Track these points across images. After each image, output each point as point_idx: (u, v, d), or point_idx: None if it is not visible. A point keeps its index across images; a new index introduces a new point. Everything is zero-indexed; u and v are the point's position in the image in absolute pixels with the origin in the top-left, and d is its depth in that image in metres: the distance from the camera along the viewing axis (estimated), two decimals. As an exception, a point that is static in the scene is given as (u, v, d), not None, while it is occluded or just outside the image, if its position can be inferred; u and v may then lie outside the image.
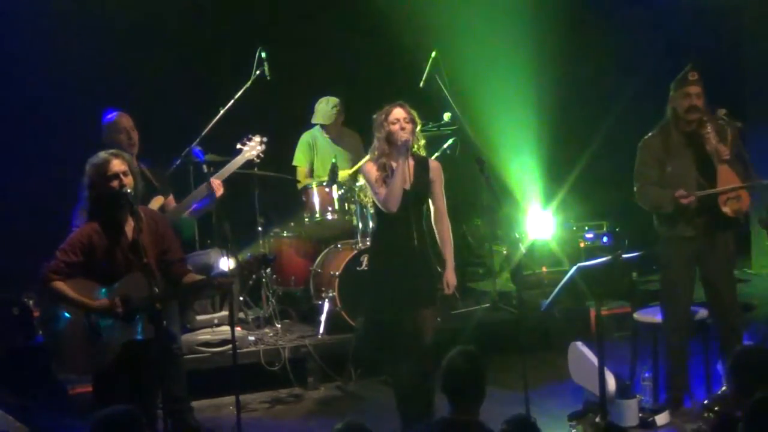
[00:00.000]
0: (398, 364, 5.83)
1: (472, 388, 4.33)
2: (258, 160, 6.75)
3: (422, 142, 5.91)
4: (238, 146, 6.64)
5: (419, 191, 5.79)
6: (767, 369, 4.29)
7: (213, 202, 6.29)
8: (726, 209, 5.98)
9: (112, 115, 6.31)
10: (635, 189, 6.20)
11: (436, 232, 5.88)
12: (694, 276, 6.23)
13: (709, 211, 6.02)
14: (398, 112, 5.77)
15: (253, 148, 6.64)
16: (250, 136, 6.66)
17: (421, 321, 5.72)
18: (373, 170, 5.82)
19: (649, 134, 6.21)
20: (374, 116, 5.86)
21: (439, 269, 5.85)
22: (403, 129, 5.73)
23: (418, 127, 5.83)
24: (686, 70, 6.08)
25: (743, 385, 4.26)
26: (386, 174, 5.77)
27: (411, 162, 5.76)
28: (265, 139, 6.67)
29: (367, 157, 5.97)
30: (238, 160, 6.59)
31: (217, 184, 6.28)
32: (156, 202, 6.18)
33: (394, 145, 5.72)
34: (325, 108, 8.04)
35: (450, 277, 5.86)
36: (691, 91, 6.01)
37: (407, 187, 5.69)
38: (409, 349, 5.70)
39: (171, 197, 6.44)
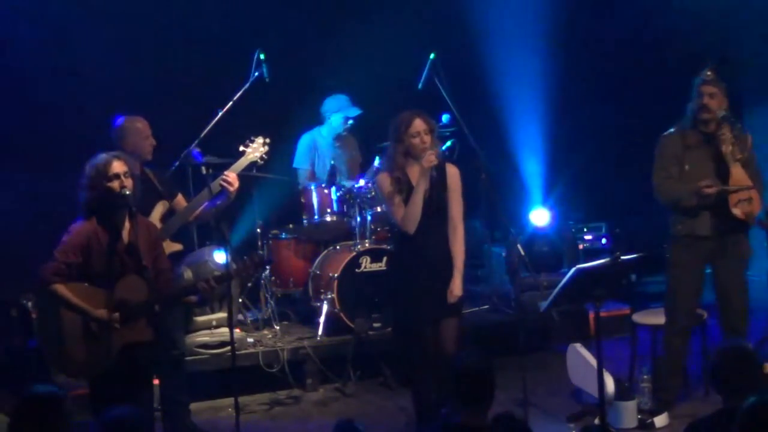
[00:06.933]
0: (423, 374, 5.70)
1: (485, 391, 4.24)
2: (261, 162, 6.52)
3: (438, 148, 5.71)
4: (241, 148, 6.40)
5: (438, 202, 5.64)
6: (751, 370, 4.19)
7: (228, 199, 6.13)
8: (736, 211, 5.94)
9: (135, 119, 6.11)
10: (655, 184, 6.10)
11: (449, 238, 5.71)
12: (704, 277, 6.20)
13: (720, 212, 5.98)
14: (418, 124, 5.58)
15: (255, 149, 6.38)
16: (252, 137, 6.42)
17: (444, 330, 5.62)
18: (386, 183, 5.65)
19: (668, 131, 6.15)
20: (390, 125, 5.69)
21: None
22: (423, 142, 5.57)
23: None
24: (705, 69, 6.02)
25: (728, 386, 4.16)
26: (400, 188, 5.62)
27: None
28: (268, 140, 6.43)
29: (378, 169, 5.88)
30: (241, 162, 6.35)
31: (233, 178, 6.08)
32: (161, 207, 6.05)
33: (416, 161, 5.56)
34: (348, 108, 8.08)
35: (455, 286, 5.65)
36: (704, 91, 5.97)
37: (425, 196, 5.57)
38: (433, 359, 5.57)
39: (180, 196, 6.26)
